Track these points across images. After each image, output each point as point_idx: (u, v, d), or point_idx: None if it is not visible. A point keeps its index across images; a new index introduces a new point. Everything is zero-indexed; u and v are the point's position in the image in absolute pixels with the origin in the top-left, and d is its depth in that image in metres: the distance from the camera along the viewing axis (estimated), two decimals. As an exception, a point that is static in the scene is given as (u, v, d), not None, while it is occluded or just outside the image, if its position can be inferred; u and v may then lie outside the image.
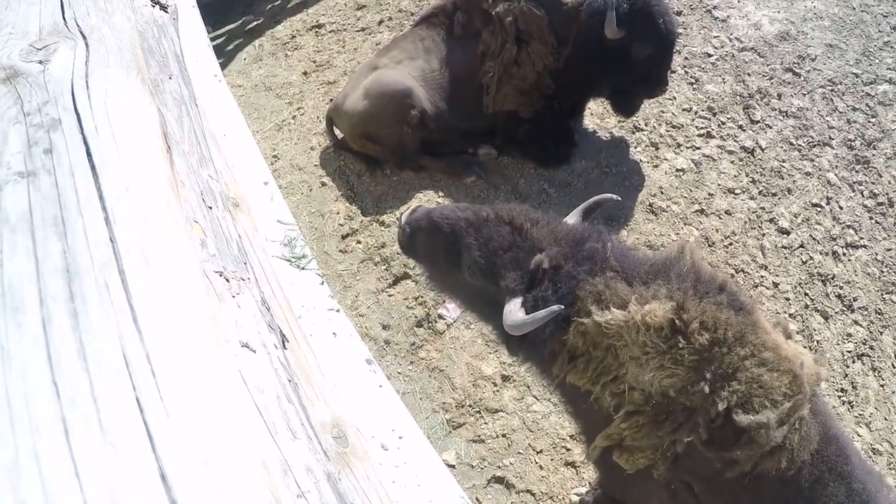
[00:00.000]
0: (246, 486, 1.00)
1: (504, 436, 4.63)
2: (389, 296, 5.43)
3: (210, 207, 1.70)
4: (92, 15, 2.06)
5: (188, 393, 1.09)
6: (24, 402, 1.04)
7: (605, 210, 3.32)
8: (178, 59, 2.48)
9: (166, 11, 2.74)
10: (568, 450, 4.54)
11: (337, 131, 6.53)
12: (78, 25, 1.98)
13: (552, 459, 4.52)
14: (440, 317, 5.23)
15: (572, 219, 3.27)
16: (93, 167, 1.45)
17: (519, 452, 4.55)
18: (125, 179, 1.45)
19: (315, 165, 6.58)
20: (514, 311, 2.79)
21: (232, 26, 8.46)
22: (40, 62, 1.77)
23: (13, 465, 0.98)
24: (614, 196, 3.39)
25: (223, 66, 7.56)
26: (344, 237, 5.89)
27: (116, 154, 1.51)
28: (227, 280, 1.45)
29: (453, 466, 4.44)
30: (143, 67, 1.98)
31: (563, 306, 2.69)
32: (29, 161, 1.45)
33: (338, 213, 6.07)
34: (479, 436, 4.64)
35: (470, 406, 4.77)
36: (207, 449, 1.01)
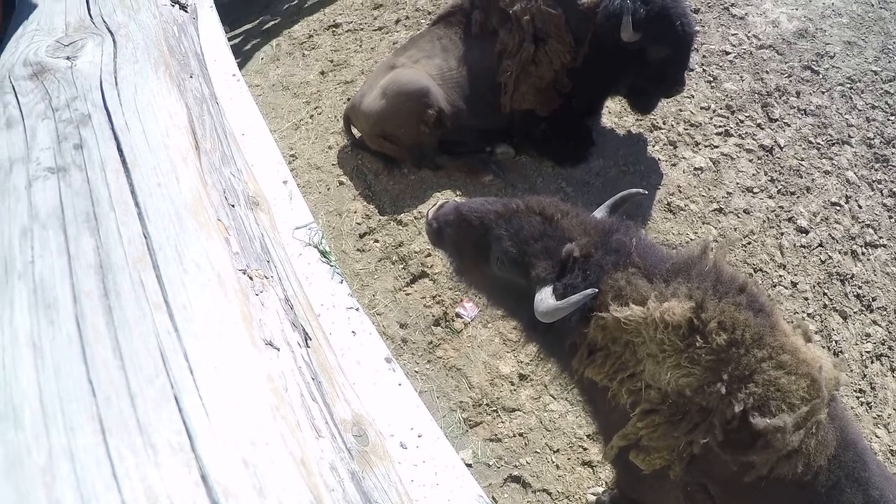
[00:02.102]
0: (287, 487, 0.99)
1: (521, 435, 4.63)
2: (407, 294, 5.44)
3: (233, 205, 1.71)
4: (118, 11, 2.07)
5: (226, 392, 1.08)
6: (58, 401, 1.03)
7: (624, 208, 3.32)
8: (198, 58, 2.50)
9: (186, 11, 2.76)
10: (585, 449, 4.54)
11: (354, 130, 6.54)
12: (105, 21, 1.99)
13: (569, 459, 4.51)
14: (458, 315, 5.23)
15: (600, 213, 3.28)
16: (124, 162, 1.46)
17: (536, 452, 4.55)
18: (157, 175, 1.45)
19: (333, 164, 6.59)
20: (545, 298, 2.80)
21: (249, 26, 8.50)
22: (67, 58, 1.78)
23: (47, 465, 0.96)
24: (641, 190, 3.39)
25: (241, 65, 7.59)
26: (361, 236, 5.90)
27: (147, 149, 1.52)
28: (251, 278, 1.45)
29: (470, 465, 4.45)
30: (171, 64, 1.99)
31: (596, 290, 2.70)
32: (59, 157, 1.46)
33: (355, 212, 6.08)
34: (495, 435, 4.64)
35: (487, 405, 4.77)
36: (247, 449, 1.00)
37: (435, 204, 3.52)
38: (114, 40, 1.90)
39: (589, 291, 2.68)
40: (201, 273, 1.26)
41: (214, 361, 1.12)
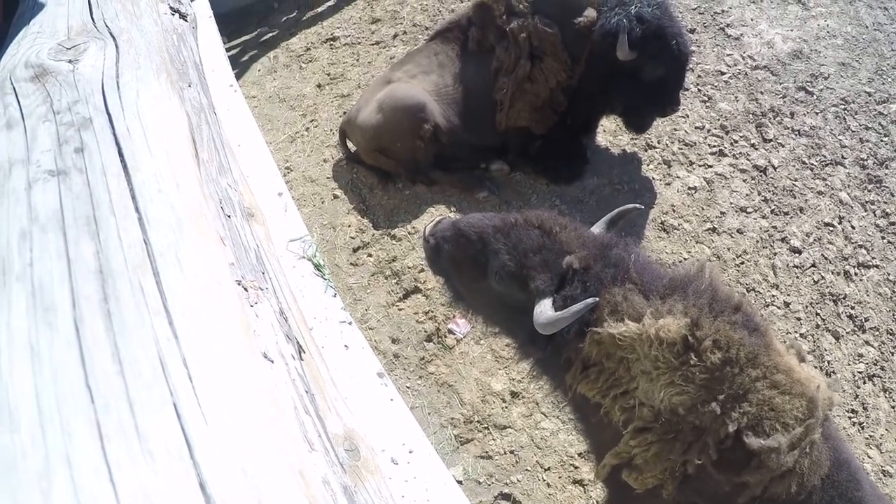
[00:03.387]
0: (286, 498, 0.97)
1: (512, 452, 4.61)
2: (399, 310, 5.42)
3: (229, 216, 1.70)
4: (121, 17, 2.07)
5: (225, 400, 1.07)
6: (55, 405, 1.01)
7: (620, 225, 3.32)
8: (196, 68, 2.49)
9: (186, 20, 2.75)
10: (576, 468, 4.52)
11: (350, 144, 6.55)
12: (107, 26, 1.99)
13: (560, 477, 4.50)
14: (450, 332, 5.22)
15: (598, 229, 3.28)
16: (125, 167, 1.45)
17: (527, 469, 4.53)
18: (158, 181, 1.45)
19: (327, 178, 6.59)
20: (545, 310, 2.79)
21: (247, 37, 8.51)
22: (69, 61, 1.77)
23: (44, 470, 0.94)
24: (638, 205, 3.40)
25: (238, 76, 7.59)
26: (355, 250, 5.89)
27: (149, 155, 1.51)
28: (246, 289, 1.44)
29: (460, 482, 4.43)
30: (172, 71, 1.98)
31: (597, 299, 2.70)
32: (59, 159, 1.45)
33: (349, 225, 6.08)
34: (486, 452, 4.63)
35: (478, 422, 4.75)
36: (245, 458, 0.99)
37: (431, 220, 3.50)
38: (116, 45, 1.89)
39: (589, 301, 2.68)
40: (200, 281, 1.25)
41: (213, 369, 1.10)
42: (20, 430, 0.99)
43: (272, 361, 1.32)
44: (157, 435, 0.99)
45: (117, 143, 1.51)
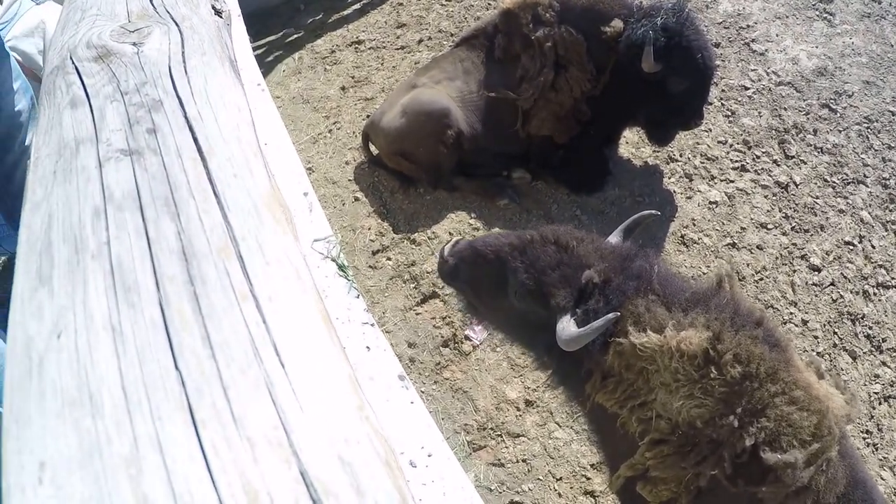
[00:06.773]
0: (381, 487, 0.95)
1: (524, 461, 4.61)
2: (417, 314, 5.43)
3: (265, 211, 1.72)
4: (181, 4, 2.08)
5: (317, 387, 1.06)
6: (143, 389, 1.00)
7: (637, 234, 3.32)
8: (233, 65, 2.51)
9: (220, 17, 2.76)
10: (588, 479, 4.52)
11: (372, 147, 6.58)
12: (168, 12, 2.00)
13: (571, 487, 4.49)
14: (467, 338, 5.23)
15: (614, 238, 3.28)
16: (199, 151, 1.46)
17: (538, 478, 4.53)
18: (232, 166, 1.47)
19: (349, 180, 6.62)
20: (567, 326, 2.79)
21: (273, 38, 8.55)
22: (133, 44, 1.78)
23: (132, 456, 0.93)
24: (654, 212, 3.40)
25: (262, 76, 7.63)
26: (374, 253, 5.91)
27: (221, 140, 1.53)
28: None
29: (472, 488, 4.42)
30: (231, 59, 2.00)
31: (618, 313, 2.71)
32: (132, 139, 1.46)
33: (369, 228, 6.10)
34: (499, 459, 4.63)
35: (492, 429, 4.75)
36: (341, 446, 0.98)
37: (448, 241, 3.52)
38: (180, 31, 1.91)
39: (611, 315, 2.68)
40: (282, 267, 1.26)
41: (303, 356, 1.10)
42: (104, 415, 0.97)
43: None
44: (254, 421, 0.98)
45: (190, 127, 1.53)
